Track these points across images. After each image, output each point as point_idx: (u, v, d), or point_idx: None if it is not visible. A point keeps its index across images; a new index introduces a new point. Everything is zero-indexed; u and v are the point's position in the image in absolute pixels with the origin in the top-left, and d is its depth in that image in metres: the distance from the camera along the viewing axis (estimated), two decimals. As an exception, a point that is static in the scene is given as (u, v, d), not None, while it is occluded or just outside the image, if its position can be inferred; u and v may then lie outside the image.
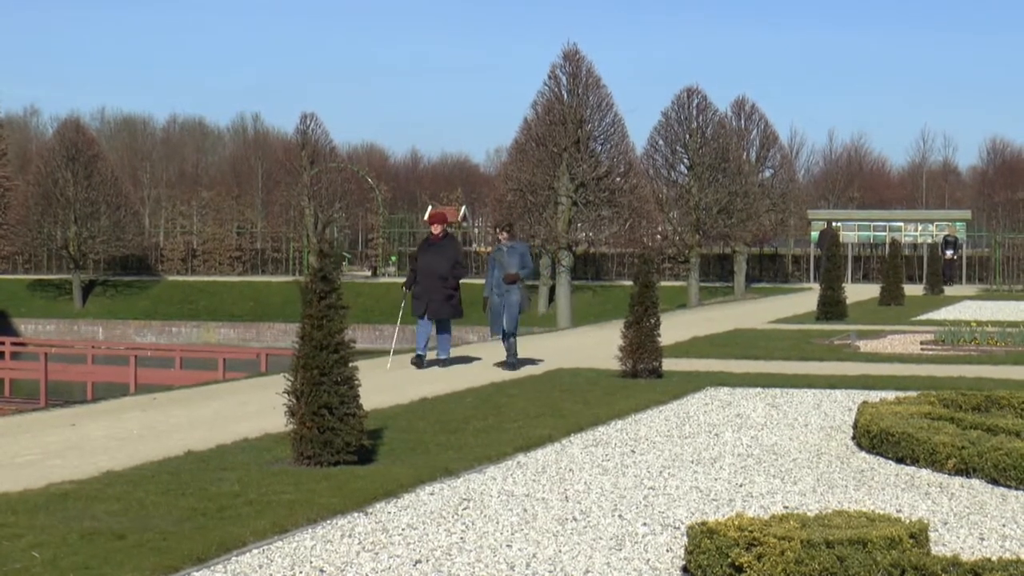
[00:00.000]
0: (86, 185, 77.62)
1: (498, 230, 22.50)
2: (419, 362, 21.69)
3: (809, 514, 8.30)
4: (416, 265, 22.08)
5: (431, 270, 21.50)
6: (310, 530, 9.29)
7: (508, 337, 21.44)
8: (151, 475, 11.27)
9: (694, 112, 66.90)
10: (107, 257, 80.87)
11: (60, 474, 11.41)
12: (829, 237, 42.02)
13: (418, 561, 8.48)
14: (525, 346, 24.15)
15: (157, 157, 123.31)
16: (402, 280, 23.04)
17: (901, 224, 70.10)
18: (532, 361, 22.42)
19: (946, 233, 64.50)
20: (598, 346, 25.31)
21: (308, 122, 79.28)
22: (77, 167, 77.74)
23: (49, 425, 15.62)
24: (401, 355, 23.42)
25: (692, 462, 12.39)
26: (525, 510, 10.09)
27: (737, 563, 7.51)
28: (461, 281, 21.96)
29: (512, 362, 21.36)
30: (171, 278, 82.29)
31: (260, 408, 16.43)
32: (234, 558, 8.50)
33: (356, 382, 11.71)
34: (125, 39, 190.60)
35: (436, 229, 22.08)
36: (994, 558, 7.42)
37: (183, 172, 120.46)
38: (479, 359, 23.32)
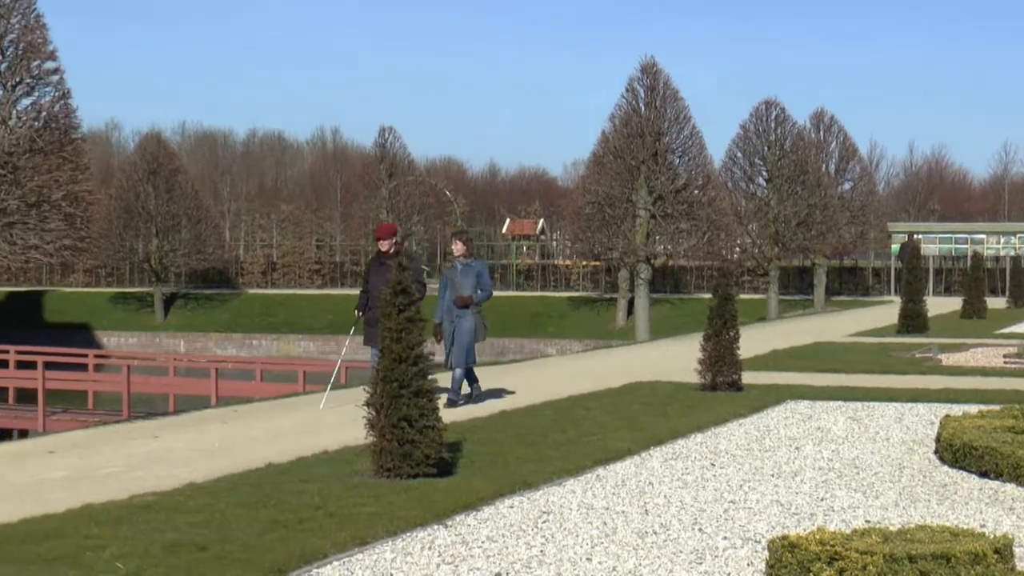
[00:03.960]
0: (167, 199, 78.35)
1: (453, 238, 19.34)
2: None
3: (891, 528, 8.22)
4: (367, 286, 19.24)
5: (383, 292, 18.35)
6: (390, 542, 9.30)
7: (455, 369, 18.34)
8: (232, 487, 11.32)
9: (773, 124, 66.72)
10: (188, 270, 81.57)
11: (143, 486, 11.49)
12: (910, 250, 41.72)
13: (498, 574, 8.47)
14: (602, 359, 24.04)
15: (237, 171, 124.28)
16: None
17: (983, 236, 69.56)
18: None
19: (1029, 245, 63.84)
20: (677, 359, 25.22)
21: (387, 135, 79.72)
22: (158, 181, 78.50)
23: (132, 437, 15.76)
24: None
25: (773, 476, 12.32)
26: (605, 523, 10.07)
27: (819, 578, 7.45)
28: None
29: (452, 399, 18.04)
30: (251, 291, 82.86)
31: (340, 420, 16.49)
32: (315, 570, 8.52)
33: (435, 395, 11.73)
34: (205, 55, 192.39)
35: (384, 245, 19.10)
36: (1081, 574, 7.33)
37: (263, 186, 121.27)
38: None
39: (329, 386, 20.32)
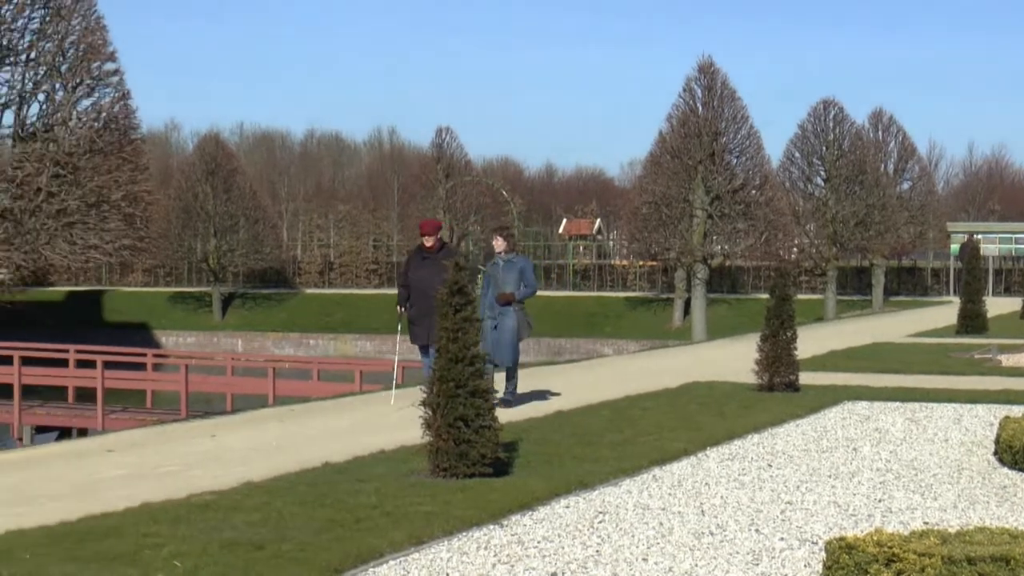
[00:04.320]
0: (225, 199, 78.81)
1: (493, 234, 18.82)
2: None
3: (950, 530, 8.17)
4: (406, 281, 19.07)
5: (426, 289, 17.65)
6: (446, 542, 9.32)
7: (506, 370, 17.90)
8: (289, 486, 11.37)
9: (831, 124, 66.46)
10: (246, 270, 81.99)
11: (200, 484, 11.55)
12: (969, 250, 41.46)
13: (554, 574, 8.47)
14: (659, 359, 23.97)
15: (294, 171, 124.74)
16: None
17: (1044, 237, 68.95)
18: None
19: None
20: (734, 359, 25.14)
21: (443, 136, 79.80)
22: (216, 181, 78.95)
23: (190, 436, 15.85)
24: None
25: (830, 476, 12.27)
26: (661, 524, 10.05)
27: (876, 579, 7.41)
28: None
29: (507, 398, 17.65)
30: (308, 291, 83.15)
31: (396, 420, 16.53)
32: (371, 569, 8.54)
33: (491, 395, 11.73)
34: (263, 55, 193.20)
35: (429, 241, 18.89)
36: None
37: (320, 186, 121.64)
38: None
39: (394, 384, 20.40)
